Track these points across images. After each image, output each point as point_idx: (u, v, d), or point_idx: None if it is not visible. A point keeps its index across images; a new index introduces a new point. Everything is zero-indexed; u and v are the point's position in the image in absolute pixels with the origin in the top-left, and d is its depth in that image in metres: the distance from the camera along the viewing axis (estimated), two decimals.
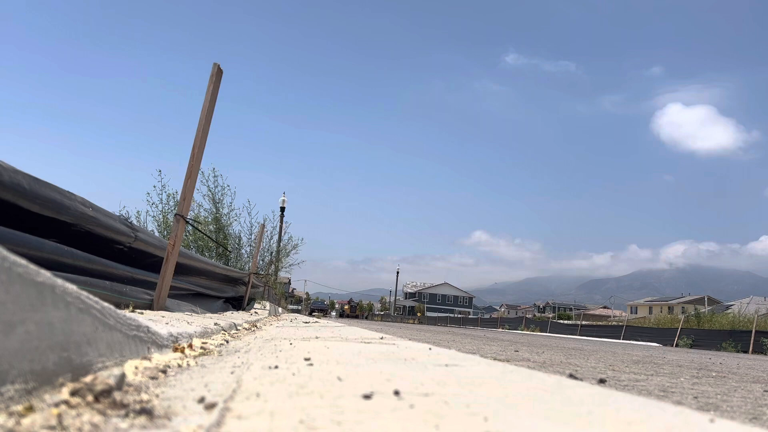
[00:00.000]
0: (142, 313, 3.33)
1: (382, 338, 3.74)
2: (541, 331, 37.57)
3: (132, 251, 4.49)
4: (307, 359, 1.96)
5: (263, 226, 14.35)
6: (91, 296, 1.20)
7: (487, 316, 69.02)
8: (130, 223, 4.52)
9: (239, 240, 15.44)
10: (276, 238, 19.23)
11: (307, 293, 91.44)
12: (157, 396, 1.14)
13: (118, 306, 2.25)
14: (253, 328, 5.15)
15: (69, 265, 3.37)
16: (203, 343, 2.61)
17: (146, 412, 0.97)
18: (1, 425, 0.80)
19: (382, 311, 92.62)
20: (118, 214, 4.37)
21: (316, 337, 3.63)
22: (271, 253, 18.71)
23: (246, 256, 15.39)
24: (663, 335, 27.07)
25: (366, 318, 69.32)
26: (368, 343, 3.16)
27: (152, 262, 4.85)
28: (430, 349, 2.78)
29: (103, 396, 1.00)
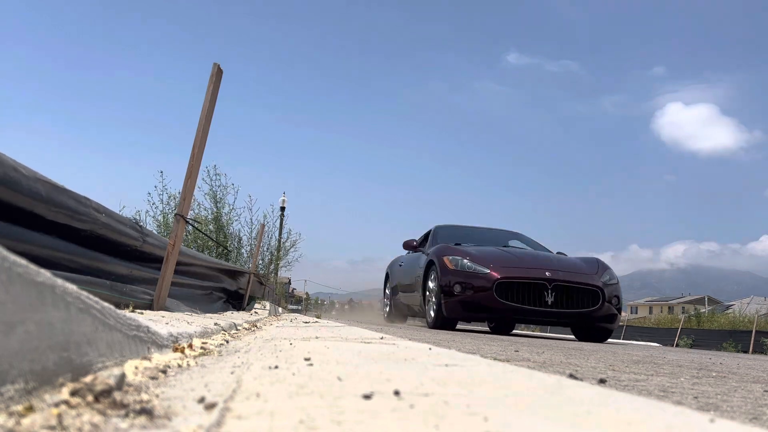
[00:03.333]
0: (142, 313, 3.33)
1: (382, 338, 3.74)
2: (541, 331, 37.54)
3: (139, 253, 4.57)
4: (307, 359, 1.95)
5: (263, 225, 14.34)
6: (91, 296, 1.20)
7: None
8: (140, 227, 4.61)
9: (239, 239, 15.46)
10: (276, 236, 19.24)
11: (306, 293, 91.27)
12: (157, 396, 1.14)
13: (118, 306, 2.25)
14: (253, 328, 5.15)
15: (68, 262, 3.38)
16: (203, 343, 2.61)
17: (146, 412, 0.97)
18: (1, 425, 0.80)
19: (382, 311, 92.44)
20: (128, 217, 4.49)
21: (316, 337, 3.63)
22: (271, 252, 18.72)
23: (246, 255, 15.40)
24: (663, 335, 27.08)
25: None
26: (368, 343, 3.16)
27: (158, 265, 4.90)
28: (430, 349, 2.78)
29: (103, 396, 1.00)
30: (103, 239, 3.78)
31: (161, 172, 11.78)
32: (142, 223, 4.80)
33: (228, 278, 9.15)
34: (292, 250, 19.25)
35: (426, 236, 9.36)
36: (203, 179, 13.12)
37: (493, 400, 1.21)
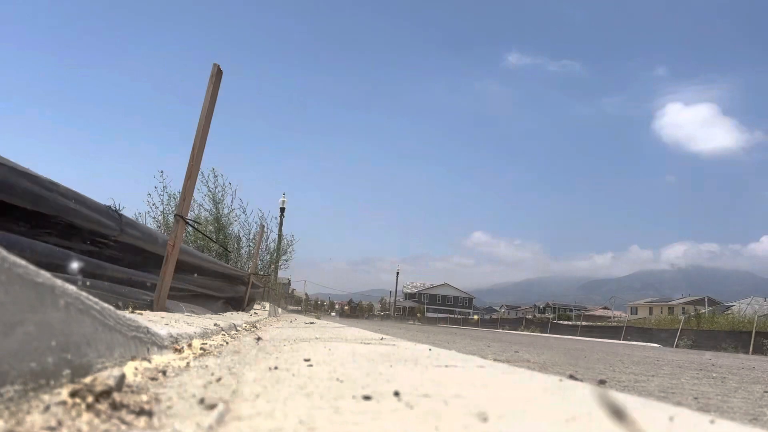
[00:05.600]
0: (141, 314, 3.33)
1: (382, 339, 3.74)
2: (542, 332, 37.58)
3: (119, 245, 4.28)
4: (306, 360, 1.96)
5: (263, 226, 14.36)
6: (90, 297, 1.20)
7: (487, 316, 68.94)
8: (119, 214, 4.24)
9: (239, 240, 15.45)
10: (275, 237, 19.27)
11: (306, 294, 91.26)
12: (156, 397, 1.14)
13: (117, 307, 2.24)
14: (252, 329, 5.15)
15: (66, 267, 3.36)
16: (203, 343, 2.61)
17: (146, 413, 0.97)
18: (0, 426, 0.80)
19: (382, 312, 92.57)
20: (105, 205, 4.06)
21: (316, 338, 3.63)
22: (270, 253, 18.73)
23: (245, 256, 15.40)
24: (663, 336, 27.08)
25: (366, 318, 68.72)
26: (368, 343, 3.16)
27: (143, 259, 4.71)
28: (430, 350, 2.78)
29: (102, 397, 1.00)
30: (75, 227, 3.52)
31: (161, 171, 11.72)
32: (120, 210, 4.28)
33: (228, 281, 9.16)
34: (289, 249, 19.29)
35: None
36: (201, 181, 13.15)
37: (493, 401, 1.21)
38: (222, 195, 13.83)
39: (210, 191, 13.68)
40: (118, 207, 4.24)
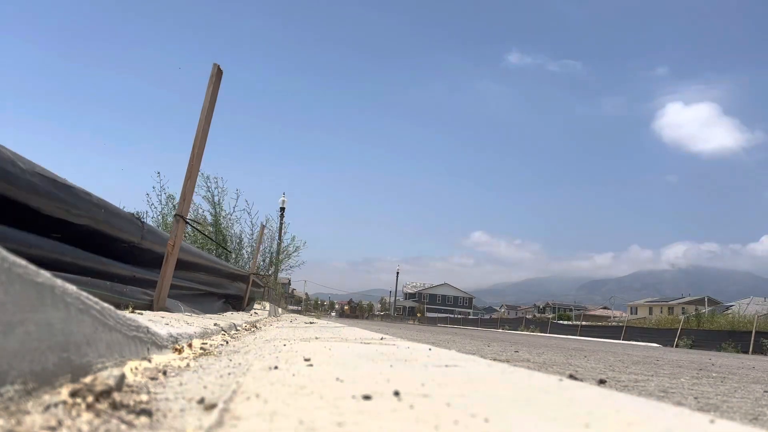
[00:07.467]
0: (141, 314, 3.33)
1: (382, 339, 3.74)
2: (541, 332, 37.60)
3: (139, 250, 4.59)
4: (307, 360, 1.95)
5: (263, 227, 14.37)
6: (90, 297, 1.20)
7: (487, 316, 68.93)
8: (141, 221, 4.62)
9: (240, 241, 15.47)
10: (276, 239, 19.27)
11: (306, 294, 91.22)
12: (156, 397, 1.14)
13: (117, 306, 2.24)
14: (252, 329, 5.15)
15: (68, 264, 3.37)
16: (203, 343, 2.61)
17: (146, 412, 0.97)
18: (1, 426, 0.80)
19: (382, 312, 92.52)
20: (129, 212, 4.46)
21: (316, 338, 3.63)
22: (271, 254, 18.73)
23: (246, 256, 15.41)
24: (663, 336, 27.09)
25: (366, 318, 68.70)
26: (368, 343, 3.16)
27: (156, 259, 4.91)
28: (430, 349, 2.78)
29: (102, 397, 1.00)
30: (102, 234, 3.80)
31: (158, 172, 11.70)
32: (143, 219, 4.80)
33: (228, 279, 9.16)
34: (294, 254, 19.28)
35: None
36: (199, 183, 13.20)
37: (494, 401, 1.21)
38: (221, 197, 13.90)
39: (209, 192, 13.75)
40: (139, 215, 4.82)
